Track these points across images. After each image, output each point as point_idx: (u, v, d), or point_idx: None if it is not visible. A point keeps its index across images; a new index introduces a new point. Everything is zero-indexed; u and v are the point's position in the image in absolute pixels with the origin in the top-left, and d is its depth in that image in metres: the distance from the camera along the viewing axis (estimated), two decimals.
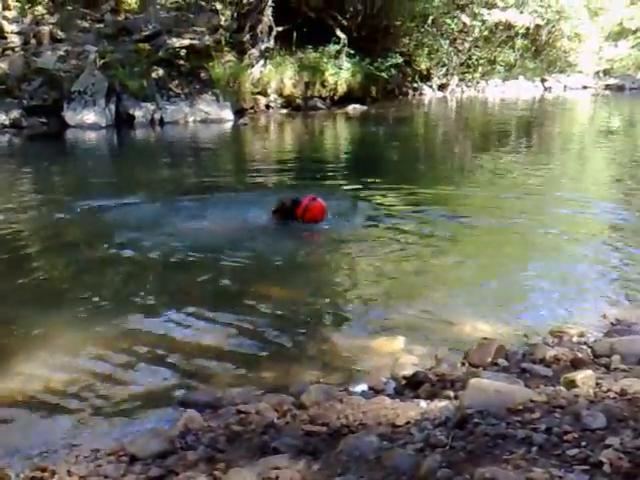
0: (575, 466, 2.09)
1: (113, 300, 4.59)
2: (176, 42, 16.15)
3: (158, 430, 2.84)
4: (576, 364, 3.37)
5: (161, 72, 15.39)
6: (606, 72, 28.79)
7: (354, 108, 17.93)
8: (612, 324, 4.07)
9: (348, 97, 18.47)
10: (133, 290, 4.84)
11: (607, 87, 27.44)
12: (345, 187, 8.32)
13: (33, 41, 15.31)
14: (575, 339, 3.86)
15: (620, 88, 27.20)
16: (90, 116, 13.86)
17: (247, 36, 17.22)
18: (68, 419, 3.11)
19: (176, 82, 15.52)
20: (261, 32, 17.28)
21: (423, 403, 2.92)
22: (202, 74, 15.96)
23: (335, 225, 6.28)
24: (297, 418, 2.88)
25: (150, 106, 14.67)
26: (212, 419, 2.93)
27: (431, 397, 3.04)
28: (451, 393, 3.03)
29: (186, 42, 16.26)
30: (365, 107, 18.13)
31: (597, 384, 2.87)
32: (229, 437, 2.71)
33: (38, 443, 2.88)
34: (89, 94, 14.02)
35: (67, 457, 2.72)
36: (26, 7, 16.04)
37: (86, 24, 16.36)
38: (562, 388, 2.87)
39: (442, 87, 23.12)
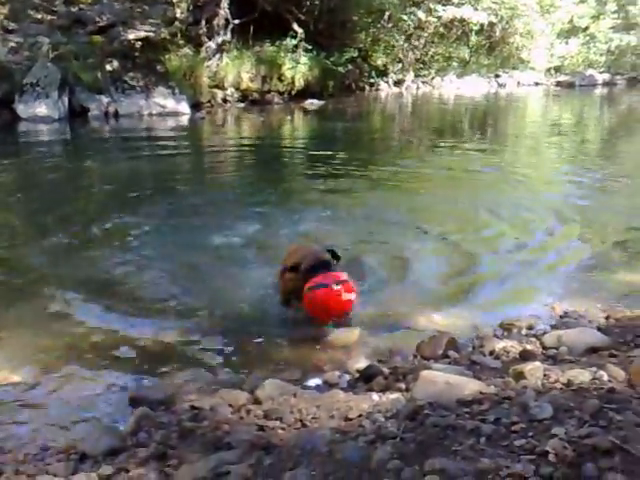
0: (522, 456, 2.13)
1: (62, 298, 4.49)
2: (131, 34, 15.88)
3: (109, 427, 2.82)
4: (525, 356, 3.44)
5: (116, 64, 15.13)
6: (557, 69, 29.45)
7: (311, 103, 17.92)
8: (560, 316, 4.18)
9: (305, 92, 18.46)
10: (85, 289, 4.71)
11: (558, 84, 28.09)
12: (304, 184, 8.31)
13: None
14: (524, 331, 3.96)
15: (570, 85, 27.86)
16: (42, 109, 13.55)
17: (203, 29, 17.05)
18: (16, 415, 3.05)
19: (131, 74, 15.25)
20: (218, 25, 17.13)
21: (375, 396, 2.95)
22: (158, 67, 15.73)
23: None
24: (251, 413, 2.88)
25: (104, 99, 14.42)
26: (165, 416, 2.91)
27: (384, 390, 3.07)
28: (403, 385, 3.07)
29: (141, 34, 16.01)
30: (322, 102, 18.13)
31: (545, 375, 2.94)
32: (182, 433, 2.70)
33: None
34: (42, 86, 13.69)
35: (15, 455, 2.67)
36: None
37: (38, 15, 15.96)
38: (511, 380, 2.93)
39: (398, 83, 23.32)
